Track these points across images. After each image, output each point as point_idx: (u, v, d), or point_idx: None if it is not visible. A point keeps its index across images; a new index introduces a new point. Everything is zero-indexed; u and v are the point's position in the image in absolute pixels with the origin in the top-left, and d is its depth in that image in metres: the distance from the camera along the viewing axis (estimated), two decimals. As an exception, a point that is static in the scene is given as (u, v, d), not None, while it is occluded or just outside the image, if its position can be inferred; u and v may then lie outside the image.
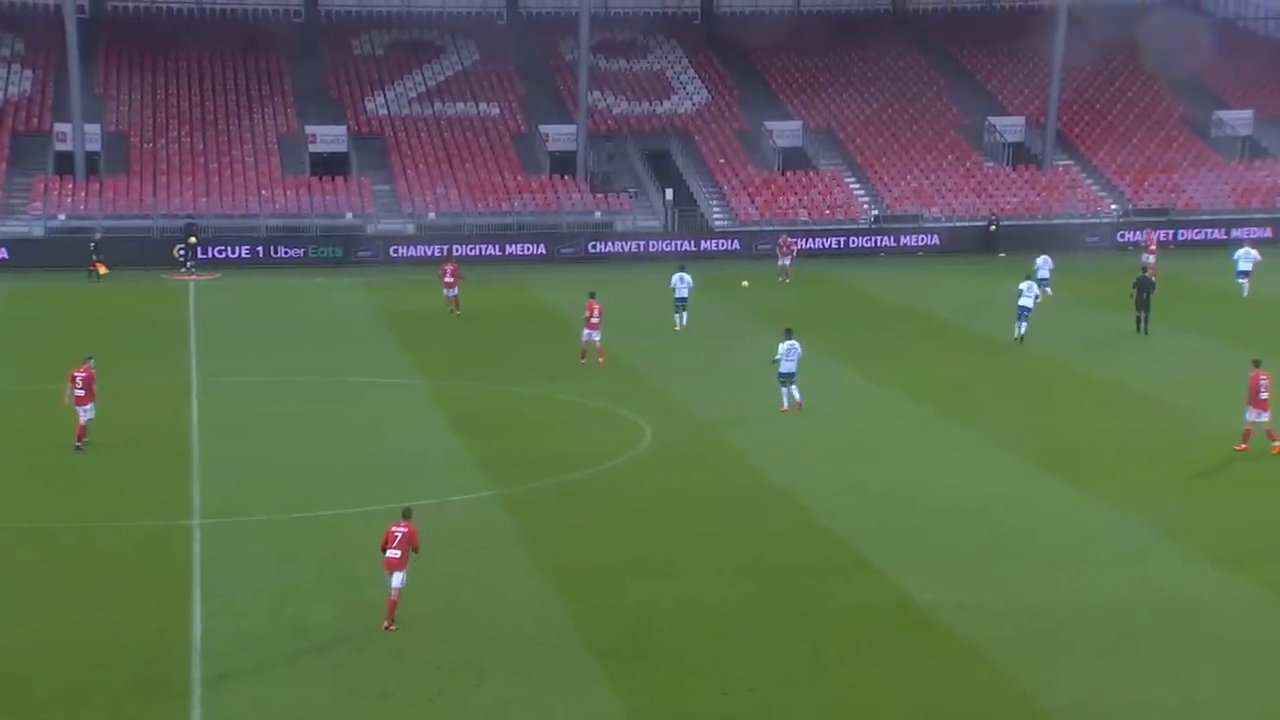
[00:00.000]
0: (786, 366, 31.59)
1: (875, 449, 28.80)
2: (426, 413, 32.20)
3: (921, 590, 20.93)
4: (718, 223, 61.28)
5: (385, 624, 19.49)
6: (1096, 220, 61.24)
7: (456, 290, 45.09)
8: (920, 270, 55.44)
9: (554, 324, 44.06)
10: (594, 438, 29.84)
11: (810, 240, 59.43)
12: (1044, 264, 46.57)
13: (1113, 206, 62.39)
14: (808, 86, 69.71)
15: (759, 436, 29.81)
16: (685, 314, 42.44)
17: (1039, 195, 62.66)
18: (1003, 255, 57.99)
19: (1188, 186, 63.00)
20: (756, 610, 20.31)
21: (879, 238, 60.04)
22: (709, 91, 68.94)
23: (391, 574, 19.50)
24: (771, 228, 60.46)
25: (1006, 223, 60.02)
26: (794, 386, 31.60)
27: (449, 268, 45.75)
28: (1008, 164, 64.73)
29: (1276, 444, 28.35)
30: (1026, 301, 39.64)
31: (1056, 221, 60.77)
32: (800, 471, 27.11)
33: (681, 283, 42.72)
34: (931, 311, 45.45)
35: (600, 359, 36.67)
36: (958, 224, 60.92)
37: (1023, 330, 39.47)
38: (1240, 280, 46.38)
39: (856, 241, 59.84)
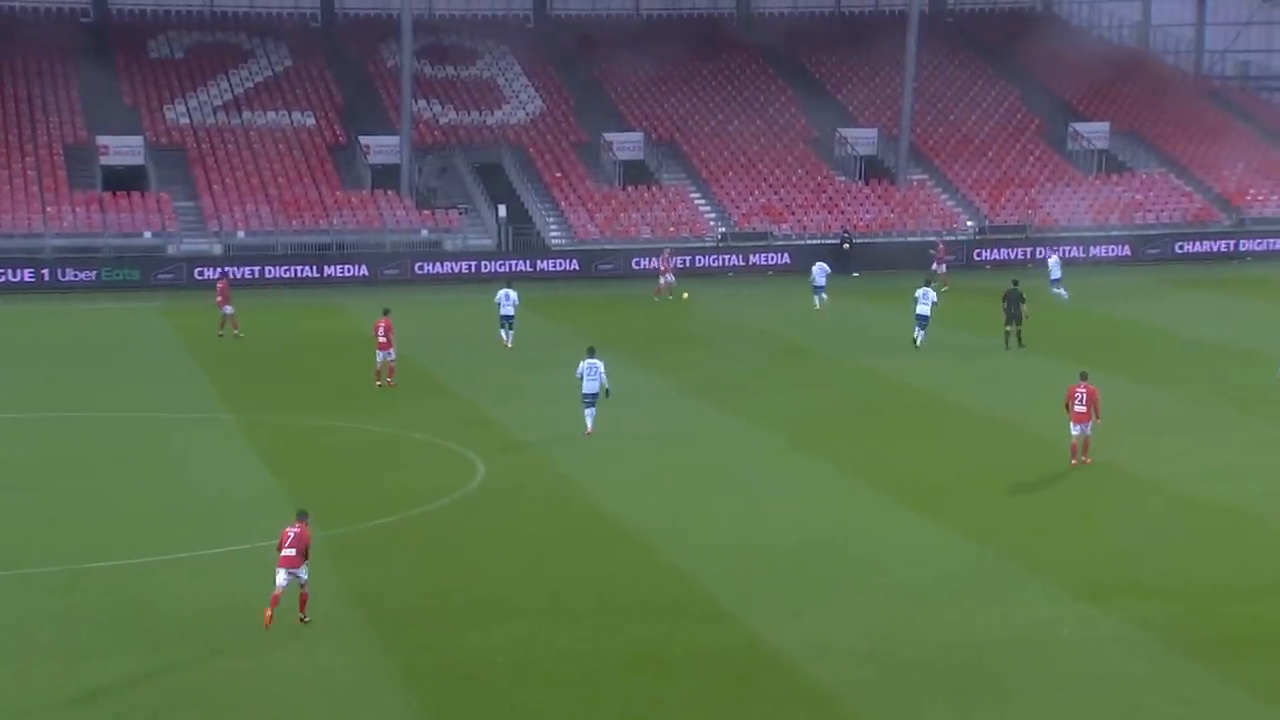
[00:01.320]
0: (588, 387, 32.00)
1: (724, 481, 29.07)
2: (236, 449, 31.60)
3: (773, 632, 21.16)
4: (555, 241, 61.45)
5: (299, 616, 21.33)
6: (953, 238, 62.96)
7: (230, 308, 44.82)
8: (770, 290, 56.33)
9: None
10: (421, 474, 29.60)
11: (653, 260, 59.95)
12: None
13: (968, 223, 64.23)
14: (649, 96, 70.45)
15: (599, 469, 29.89)
16: (512, 332, 42.73)
17: (893, 211, 64.23)
18: (856, 275, 59.28)
19: (1045, 202, 65.22)
20: (598, 656, 20.31)
21: (727, 256, 60.86)
22: (543, 100, 69.19)
23: (285, 570, 21.16)
24: (613, 246, 60.86)
25: (860, 240, 61.34)
26: (593, 410, 31.98)
27: (220, 285, 45.83)
28: (860, 178, 66.23)
29: (1077, 460, 29.51)
30: (924, 309, 41.81)
31: (912, 239, 62.33)
32: (644, 506, 27.22)
33: (507, 300, 43.25)
34: (783, 334, 46.19)
35: (389, 379, 37.31)
36: (809, 242, 62.10)
37: (920, 338, 41.72)
38: (1058, 291, 48.06)
39: (703, 260, 60.57)
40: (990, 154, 68.37)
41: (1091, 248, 62.08)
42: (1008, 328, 42.49)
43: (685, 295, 46.78)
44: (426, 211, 61.19)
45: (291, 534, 21.46)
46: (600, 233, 61.58)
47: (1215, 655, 20.14)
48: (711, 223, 63.13)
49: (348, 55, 69.95)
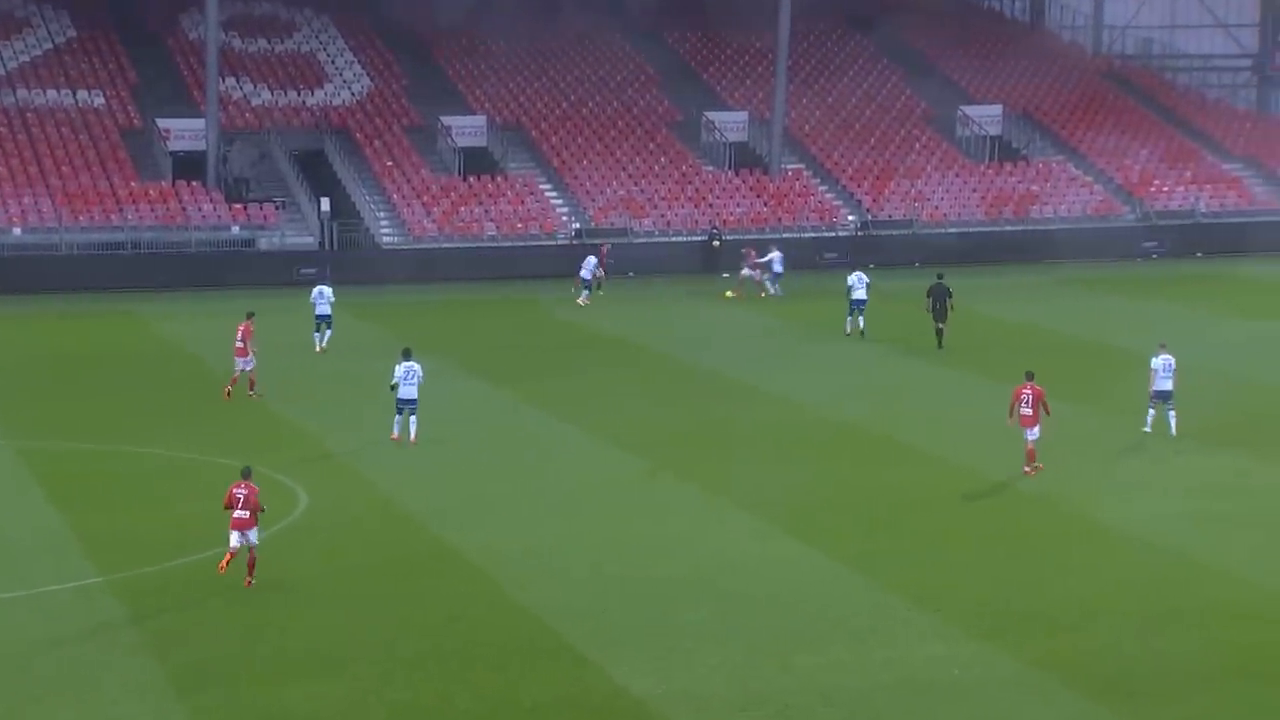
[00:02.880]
0: (405, 393, 32.92)
1: (581, 510, 29.10)
2: (13, 482, 30.86)
3: (637, 678, 21.21)
4: (387, 238, 61.02)
5: (247, 578, 24.16)
6: (834, 234, 63.80)
7: None
8: (631, 294, 56.54)
9: (181, 364, 42.93)
10: (233, 507, 29.24)
11: (499, 260, 59.83)
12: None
13: (850, 218, 65.14)
14: (492, 74, 70.37)
15: (439, 496, 29.76)
16: (328, 333, 43.06)
17: (767, 205, 64.89)
18: (726, 275, 59.75)
19: (933, 194, 66.40)
20: (440, 710, 20.18)
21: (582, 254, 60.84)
22: (371, 79, 68.73)
23: (239, 532, 24.03)
24: (452, 244, 60.60)
25: (731, 237, 61.88)
26: (414, 417, 33.05)
27: None
28: (730, 167, 66.81)
29: (1029, 467, 30.88)
30: (860, 294, 45.28)
31: (789, 236, 62.95)
32: (490, 539, 27.14)
33: (321, 298, 43.02)
34: (646, 344, 46.40)
35: (251, 391, 37.51)
36: (674, 239, 62.47)
37: (852, 325, 45.17)
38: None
39: (556, 260, 60.53)
40: (873, 141, 69.43)
41: (983, 243, 63.17)
42: (939, 325, 44.02)
43: (729, 294, 46.15)
44: (237, 205, 60.33)
45: (241, 495, 24.11)
46: (438, 229, 61.29)
47: (1117, 696, 20.64)
48: (564, 218, 63.20)
49: (143, 25, 68.70)
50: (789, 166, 67.17)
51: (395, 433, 33.55)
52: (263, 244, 59.77)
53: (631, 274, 60.52)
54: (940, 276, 45.12)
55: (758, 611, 23.78)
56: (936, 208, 65.67)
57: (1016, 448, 31.72)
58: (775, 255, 54.99)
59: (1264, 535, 27.52)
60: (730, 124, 68.24)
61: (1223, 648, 22.22)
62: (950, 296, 43.88)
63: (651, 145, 67.52)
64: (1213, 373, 39.88)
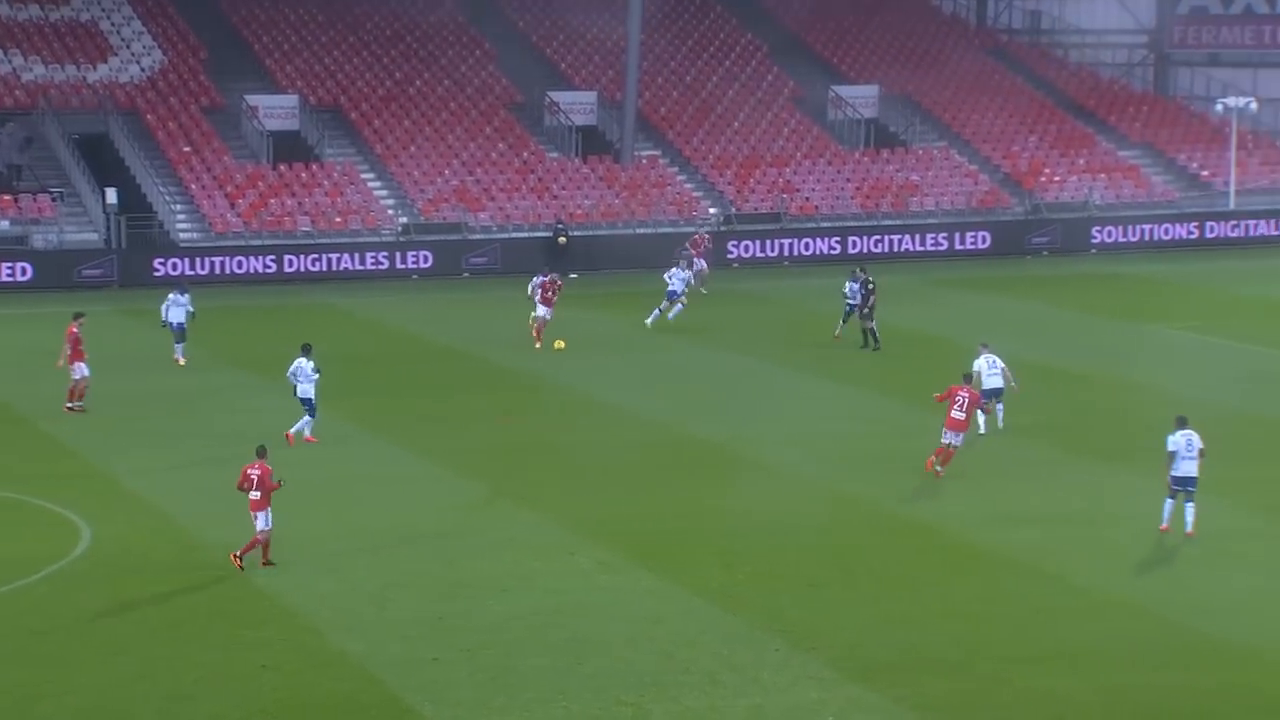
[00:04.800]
0: (304, 391, 35.38)
1: (410, 543, 29.04)
2: None
3: (472, 732, 21.30)
4: (184, 235, 60.36)
5: (263, 561, 27.22)
6: (695, 230, 64.22)
7: None
8: (467, 297, 56.47)
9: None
10: (3, 543, 28.72)
11: (315, 261, 59.53)
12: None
13: (712, 210, 65.68)
14: (305, 48, 69.97)
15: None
16: (183, 344, 44.18)
17: (619, 196, 65.20)
18: (574, 275, 59.95)
19: (802, 185, 67.20)
20: (246, 776, 20.07)
21: (410, 254, 60.80)
22: (164, 53, 67.96)
23: (255, 515, 26.99)
24: (261, 241, 60.11)
25: (578, 232, 62.09)
26: (308, 417, 34.74)
27: None
28: (577, 154, 67.00)
29: (939, 470, 32.41)
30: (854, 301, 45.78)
31: (644, 231, 63.33)
32: (301, 578, 27.02)
33: (176, 305, 44.02)
34: (483, 355, 46.40)
35: (78, 401, 38.32)
36: (514, 235, 62.55)
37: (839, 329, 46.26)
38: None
39: (379, 259, 60.34)
40: (736, 125, 70.07)
41: (851, 239, 63.80)
42: (865, 324, 45.69)
43: (559, 344, 45.27)
44: (6, 197, 59.28)
45: (255, 475, 26.91)
46: (244, 224, 60.75)
47: (1006, 739, 21.15)
48: (390, 211, 62.97)
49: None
50: (643, 154, 67.54)
51: (307, 434, 35.51)
52: (37, 241, 58.79)
53: (467, 274, 60.50)
54: (863, 269, 47.06)
55: (607, 654, 23.93)
56: (807, 199, 66.45)
57: (888, 469, 32.23)
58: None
59: (1150, 558, 28.30)
60: (577, 106, 68.45)
61: (1124, 687, 22.78)
62: (873, 293, 45.60)
63: (488, 129, 67.52)
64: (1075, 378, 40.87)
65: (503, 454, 35.27)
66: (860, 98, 71.10)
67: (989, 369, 35.94)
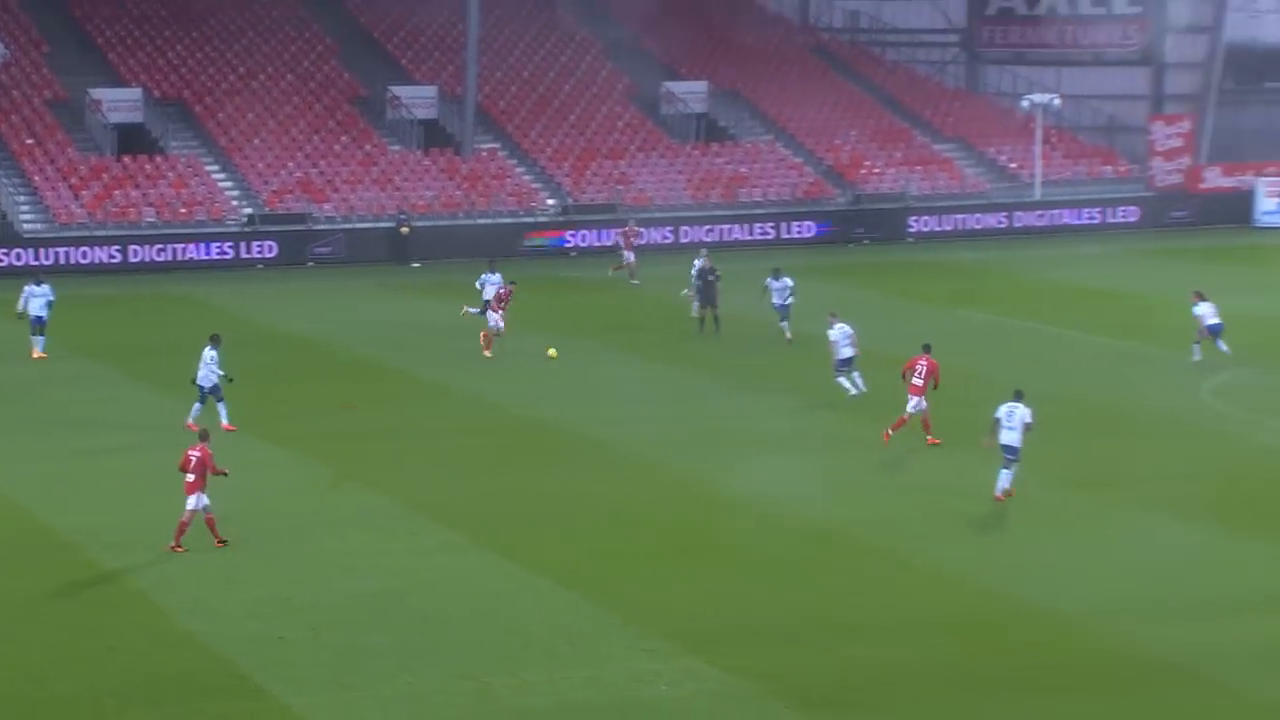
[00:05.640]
0: (204, 379, 34.94)
1: (257, 525, 28.60)
2: None
3: (319, 710, 21.02)
4: (27, 226, 58.98)
5: (216, 541, 26.92)
6: (533, 219, 64.14)
7: None
8: (313, 286, 55.85)
9: None
10: None
11: (160, 251, 58.49)
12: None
13: (550, 202, 65.56)
14: (148, 42, 68.71)
15: (92, 515, 29.01)
16: (43, 339, 42.59)
17: (459, 188, 64.83)
18: (418, 265, 59.53)
19: (637, 176, 67.29)
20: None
21: (256, 244, 59.97)
22: (4, 45, 66.24)
23: (193, 496, 26.60)
24: (105, 232, 58.93)
25: (420, 223, 61.64)
26: (221, 404, 34.43)
27: None
28: (418, 147, 66.52)
29: (892, 433, 33.14)
30: (780, 300, 44.13)
31: (483, 221, 63.05)
32: (148, 561, 26.60)
33: (33, 297, 42.45)
34: (328, 342, 45.93)
35: None
36: (358, 225, 61.93)
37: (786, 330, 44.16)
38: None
39: (222, 249, 59.46)
40: (572, 119, 69.94)
41: (684, 229, 63.97)
42: (702, 312, 45.34)
43: (552, 352, 42.51)
44: None
45: (195, 457, 26.55)
46: (88, 215, 59.48)
47: (830, 708, 21.32)
48: (234, 203, 62.03)
49: None
50: (483, 146, 67.21)
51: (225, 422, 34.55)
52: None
53: (311, 263, 59.80)
54: (704, 255, 47.08)
55: (452, 631, 23.81)
56: (641, 190, 66.53)
57: (720, 450, 32.37)
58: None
59: (969, 531, 28.72)
60: (418, 100, 67.93)
61: (943, 655, 23.08)
62: (718, 279, 45.41)
63: (331, 123, 66.75)
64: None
65: (347, 439, 34.91)
66: (691, 93, 71.33)
67: (843, 340, 36.71)
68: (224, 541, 26.96)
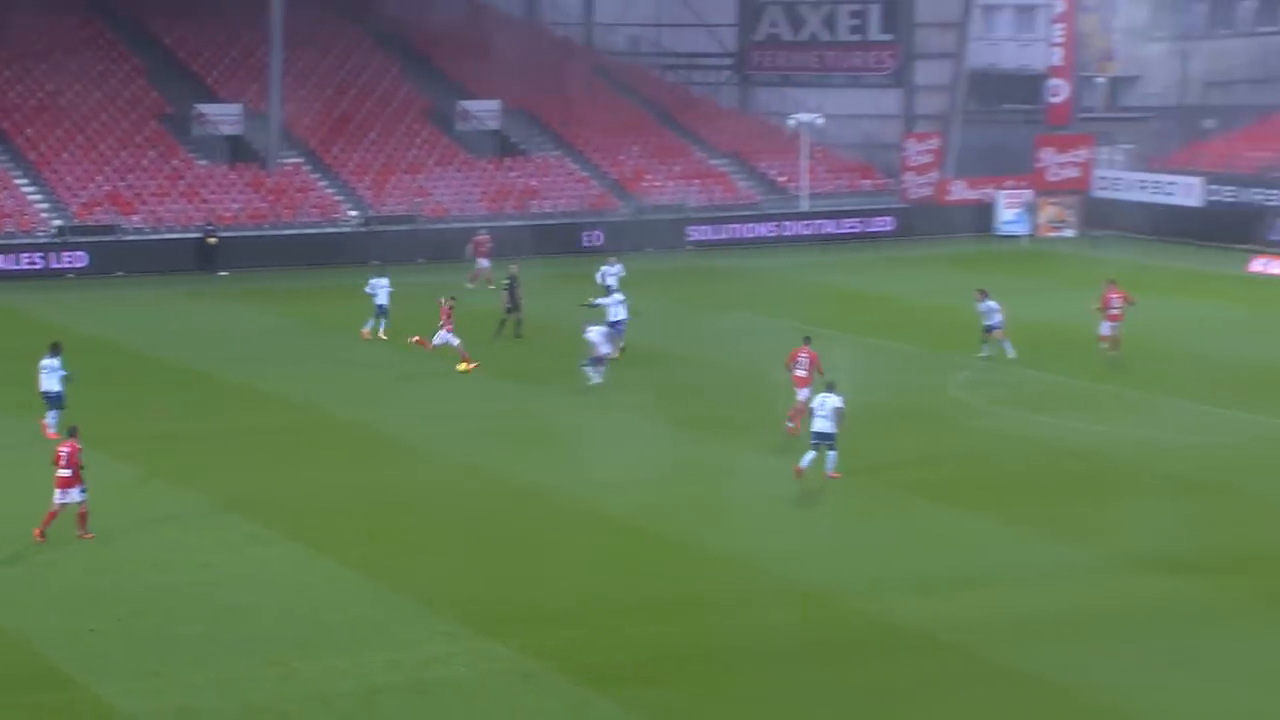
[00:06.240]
0: (47, 385, 33.85)
1: (63, 522, 27.83)
2: None
3: (127, 698, 20.60)
4: None
5: (80, 533, 26.47)
6: (336, 230, 63.41)
7: None
8: (123, 294, 54.55)
9: None
10: None
11: None
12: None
13: (352, 213, 64.90)
14: (-43, 61, 66.48)
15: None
16: None
17: (264, 200, 63.85)
18: (224, 273, 58.52)
19: (435, 189, 66.91)
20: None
21: (66, 255, 58.40)
22: None
23: (64, 490, 26.27)
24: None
25: (227, 234, 60.57)
26: (52, 412, 32.95)
27: None
28: (224, 162, 65.39)
29: (793, 426, 32.95)
30: (616, 316, 43.19)
31: (288, 232, 62.18)
32: (-34, 562, 25.79)
33: None
34: (138, 347, 44.94)
35: None
36: (166, 236, 60.65)
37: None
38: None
39: (34, 259, 57.82)
40: (373, 136, 69.31)
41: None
42: (509, 315, 45.17)
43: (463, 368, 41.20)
44: None
45: (64, 453, 26.16)
46: (-99, 228, 57.44)
47: (611, 681, 21.50)
48: (43, 214, 60.30)
49: None
50: (287, 161, 66.26)
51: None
52: None
53: (120, 273, 58.40)
54: (513, 266, 46.90)
55: (258, 621, 23.48)
56: (439, 203, 66.19)
57: (513, 444, 32.44)
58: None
59: (742, 515, 29.13)
60: (224, 117, 66.72)
61: (715, 631, 23.39)
62: (518, 287, 45.37)
63: (139, 138, 65.24)
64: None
65: (157, 440, 34.19)
66: (485, 111, 71.14)
67: (600, 340, 37.96)
68: (91, 535, 26.75)
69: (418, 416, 36.51)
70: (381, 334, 45.17)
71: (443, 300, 41.84)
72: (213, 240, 59.53)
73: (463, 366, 40.70)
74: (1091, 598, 24.65)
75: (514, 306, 45.64)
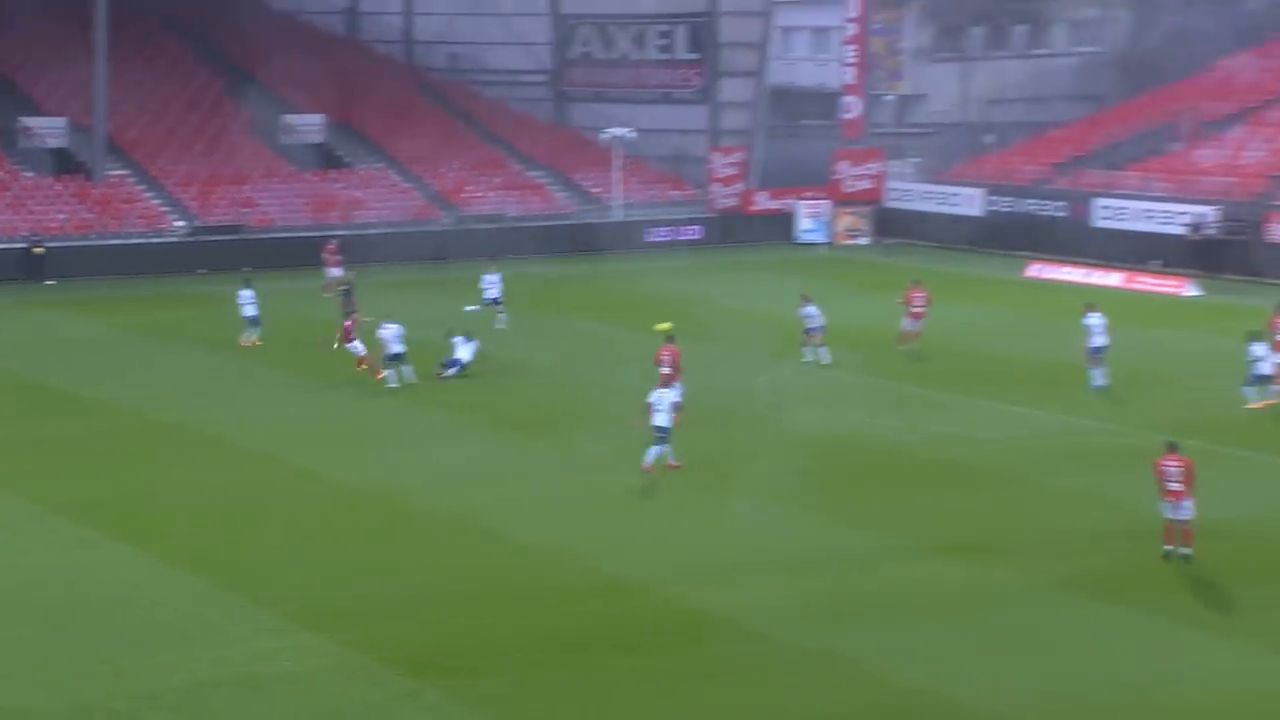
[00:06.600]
0: None
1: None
2: None
3: (-42, 701, 19.95)
4: None
5: None
6: (162, 240, 62.08)
7: None
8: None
9: None
10: None
11: None
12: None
13: (178, 224, 63.60)
14: None
15: None
16: None
17: (91, 211, 62.30)
18: (52, 283, 57.02)
19: (260, 200, 65.86)
20: None
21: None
22: None
23: None
24: None
25: (54, 244, 58.96)
26: None
27: None
28: (50, 174, 63.67)
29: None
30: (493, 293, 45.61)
31: (115, 242, 60.74)
32: None
33: None
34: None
35: None
36: (-4, 246, 58.88)
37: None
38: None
39: None
40: (198, 148, 68.01)
41: (304, 249, 62.83)
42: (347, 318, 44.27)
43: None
44: None
45: None
46: None
47: (437, 671, 21.38)
48: None
49: None
50: (113, 173, 64.67)
51: None
52: None
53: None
54: (349, 273, 47.72)
55: (87, 620, 22.93)
56: (265, 213, 65.20)
57: (339, 445, 32.07)
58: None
59: (570, 510, 29.13)
60: (50, 130, 65.00)
61: (537, 622, 23.35)
62: (354, 294, 45.07)
63: (-36, 151, 63.21)
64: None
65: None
66: (308, 125, 70.23)
67: (393, 338, 38.33)
68: None
69: (246, 420, 35.86)
70: (257, 340, 44.18)
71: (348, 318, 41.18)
72: (39, 250, 57.96)
73: (378, 376, 39.41)
74: (897, 583, 25.03)
75: (348, 310, 44.97)
